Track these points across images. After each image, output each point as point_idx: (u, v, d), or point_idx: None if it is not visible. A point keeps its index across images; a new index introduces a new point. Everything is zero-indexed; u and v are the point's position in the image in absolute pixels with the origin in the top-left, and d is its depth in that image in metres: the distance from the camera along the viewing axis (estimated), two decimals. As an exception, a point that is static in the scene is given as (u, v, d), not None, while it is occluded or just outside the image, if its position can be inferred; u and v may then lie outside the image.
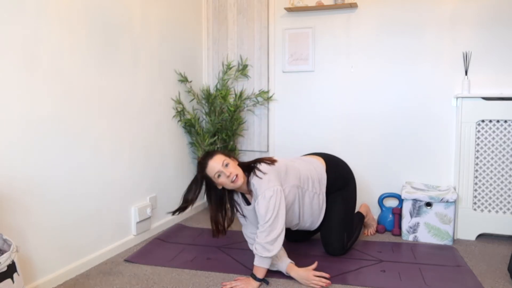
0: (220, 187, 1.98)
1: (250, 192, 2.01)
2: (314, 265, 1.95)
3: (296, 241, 2.49)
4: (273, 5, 3.12)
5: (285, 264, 1.95)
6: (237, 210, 2.09)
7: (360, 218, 2.47)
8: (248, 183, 1.97)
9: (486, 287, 1.89)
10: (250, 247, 2.11)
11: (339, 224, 2.23)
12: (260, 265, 1.86)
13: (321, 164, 2.24)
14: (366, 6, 2.89)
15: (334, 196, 2.25)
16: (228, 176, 1.89)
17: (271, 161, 2.01)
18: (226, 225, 2.07)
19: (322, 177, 2.20)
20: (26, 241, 1.74)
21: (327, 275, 1.90)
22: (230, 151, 1.98)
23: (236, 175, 1.91)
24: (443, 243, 2.49)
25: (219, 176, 1.91)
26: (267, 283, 1.90)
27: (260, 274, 1.87)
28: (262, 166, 1.96)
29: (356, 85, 2.96)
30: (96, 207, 2.14)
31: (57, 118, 1.88)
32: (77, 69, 1.99)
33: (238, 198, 2.09)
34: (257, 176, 1.92)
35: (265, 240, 1.83)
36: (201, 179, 1.98)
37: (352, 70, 2.96)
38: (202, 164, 1.95)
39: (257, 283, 1.87)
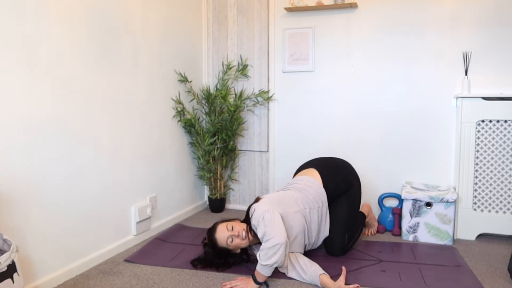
0: (238, 251, 2.06)
1: (256, 236, 1.97)
2: (343, 276, 1.86)
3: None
4: (273, 5, 3.12)
5: (317, 274, 1.89)
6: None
7: (361, 218, 2.47)
8: (251, 233, 1.99)
9: (486, 287, 1.89)
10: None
11: (342, 225, 2.24)
12: (262, 272, 1.85)
13: (317, 181, 2.23)
14: (366, 6, 2.89)
15: (337, 200, 2.28)
16: (238, 236, 1.96)
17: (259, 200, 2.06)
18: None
19: (320, 193, 2.20)
20: (26, 241, 1.74)
21: (356, 285, 1.81)
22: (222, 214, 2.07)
23: (244, 229, 1.97)
24: (443, 243, 2.49)
25: (232, 241, 1.97)
26: (267, 286, 1.90)
27: (260, 279, 1.87)
28: (254, 207, 1.98)
29: (356, 85, 2.96)
30: (96, 207, 2.14)
31: (57, 119, 1.88)
32: (77, 69, 1.99)
33: (251, 250, 2.15)
34: (254, 216, 1.94)
35: (267, 250, 1.82)
36: (219, 253, 2.04)
37: (352, 70, 2.96)
38: (211, 241, 2.01)
39: (256, 285, 1.87)
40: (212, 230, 2.03)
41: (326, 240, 2.27)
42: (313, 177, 2.25)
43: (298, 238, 2.06)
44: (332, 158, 2.45)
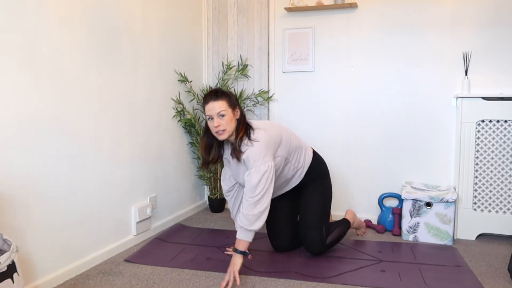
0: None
1: (237, 149, 1.95)
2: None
3: (284, 250, 2.33)
4: (273, 5, 3.12)
5: (243, 251, 1.89)
6: (212, 160, 2.11)
7: (344, 222, 2.41)
8: (239, 140, 1.95)
9: (486, 287, 1.89)
10: (223, 187, 2.24)
11: (317, 217, 2.19)
12: (244, 238, 1.87)
13: (310, 150, 2.28)
14: (366, 6, 2.89)
15: (313, 186, 2.25)
16: (216, 127, 1.92)
17: (268, 128, 2.01)
18: (211, 160, 2.10)
19: (307, 158, 2.22)
20: (26, 241, 1.74)
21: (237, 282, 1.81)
22: (235, 102, 2.01)
23: (223, 130, 1.93)
24: (443, 243, 2.49)
25: (209, 119, 1.95)
26: (247, 255, 1.89)
27: (242, 247, 1.87)
28: (259, 134, 1.95)
29: (356, 85, 2.96)
30: (96, 207, 2.14)
31: (57, 118, 1.88)
32: (77, 69, 1.99)
33: (228, 148, 2.10)
34: (250, 140, 1.92)
35: (251, 212, 1.85)
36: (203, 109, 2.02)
37: (352, 70, 2.96)
38: (205, 99, 1.98)
39: (240, 258, 1.86)
40: (214, 96, 1.95)
41: (303, 238, 2.22)
42: (309, 146, 2.29)
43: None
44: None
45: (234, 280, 1.81)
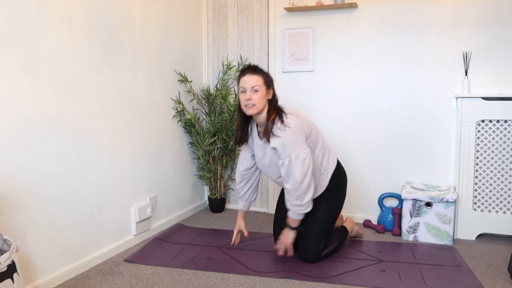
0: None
1: (268, 130, 1.98)
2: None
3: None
4: (273, 5, 3.12)
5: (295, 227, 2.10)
6: (244, 138, 2.16)
7: (343, 232, 2.37)
8: (271, 122, 1.98)
9: (486, 287, 1.89)
10: (240, 167, 2.30)
11: (319, 226, 2.15)
12: (296, 218, 2.05)
13: (334, 154, 2.28)
14: (366, 6, 2.89)
15: (327, 194, 2.20)
16: (247, 99, 1.95)
17: (300, 115, 2.05)
18: (242, 139, 2.16)
19: (331, 163, 2.21)
20: (26, 241, 1.74)
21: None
22: (270, 82, 2.05)
23: (253, 105, 1.95)
24: (443, 243, 2.49)
25: (242, 92, 1.99)
26: (301, 230, 2.12)
27: (295, 224, 2.07)
28: (291, 119, 1.97)
29: (356, 85, 2.96)
30: (96, 207, 2.14)
31: (57, 118, 1.88)
32: (77, 69, 1.99)
33: (254, 129, 2.13)
34: (283, 125, 1.95)
35: (303, 201, 1.99)
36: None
37: (352, 70, 2.96)
38: (242, 71, 2.04)
39: (293, 233, 2.09)
40: (252, 70, 2.01)
41: (299, 244, 2.18)
42: (334, 154, 2.30)
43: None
44: None
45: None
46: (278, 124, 1.96)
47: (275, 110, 2.01)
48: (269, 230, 2.75)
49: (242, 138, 2.16)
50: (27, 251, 1.74)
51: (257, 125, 2.12)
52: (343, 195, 2.30)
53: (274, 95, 2.05)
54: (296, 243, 2.25)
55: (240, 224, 2.32)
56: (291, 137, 1.93)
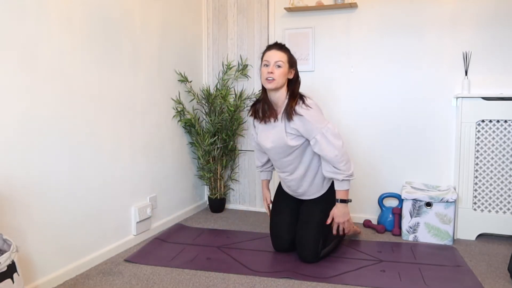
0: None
1: (292, 106, 2.02)
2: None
3: (284, 250, 2.32)
4: (273, 5, 3.12)
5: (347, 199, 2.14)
6: (256, 117, 2.20)
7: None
8: (290, 104, 2.03)
9: (486, 287, 1.89)
10: (257, 162, 2.43)
11: (317, 226, 2.14)
12: (346, 188, 2.07)
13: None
14: (366, 6, 2.89)
15: (325, 195, 2.20)
16: (269, 73, 2.01)
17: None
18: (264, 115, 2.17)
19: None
20: (26, 241, 1.74)
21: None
22: (293, 62, 2.12)
23: (273, 80, 2.01)
24: (443, 243, 2.49)
25: (264, 65, 2.05)
26: (350, 201, 2.17)
27: (346, 196, 2.08)
28: (311, 102, 2.05)
29: (356, 85, 2.96)
30: (96, 207, 2.14)
31: (57, 118, 1.88)
32: (77, 69, 1.99)
33: (266, 107, 2.14)
34: (305, 104, 2.01)
35: (351, 167, 2.04)
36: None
37: (352, 70, 2.96)
38: (268, 47, 2.10)
39: (345, 206, 2.10)
40: (278, 46, 2.09)
41: (298, 244, 2.17)
42: None
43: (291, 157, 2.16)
44: None
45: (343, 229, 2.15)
46: (300, 103, 2.02)
47: (298, 93, 2.08)
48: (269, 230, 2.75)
49: (265, 113, 2.14)
50: (27, 251, 1.74)
51: (266, 105, 2.13)
52: (328, 203, 2.24)
53: (297, 76, 2.12)
54: (294, 244, 2.25)
55: (266, 194, 2.43)
56: (315, 114, 2.01)
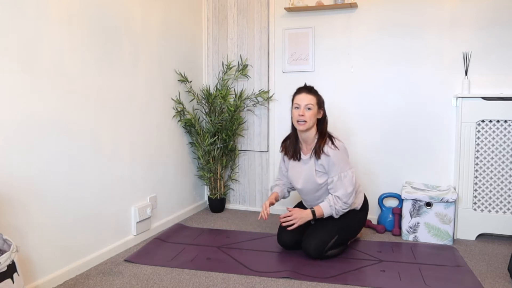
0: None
1: (321, 145, 2.17)
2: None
3: (287, 247, 2.36)
4: (273, 5, 3.12)
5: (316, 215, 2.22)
6: (286, 154, 2.35)
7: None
8: (319, 143, 2.18)
9: (486, 287, 1.89)
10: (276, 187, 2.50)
11: (334, 231, 2.19)
12: (329, 213, 2.17)
13: (362, 193, 2.41)
14: (366, 6, 2.89)
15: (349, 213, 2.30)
16: (300, 115, 2.16)
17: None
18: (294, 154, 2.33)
19: (358, 200, 2.34)
20: (26, 241, 1.74)
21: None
22: (322, 103, 2.27)
23: (305, 122, 2.15)
24: (443, 243, 2.49)
25: (295, 108, 2.20)
26: (313, 222, 2.28)
27: (319, 214, 2.18)
28: (339, 143, 2.19)
29: (356, 85, 2.96)
30: (96, 207, 2.14)
31: (57, 118, 1.88)
32: (77, 69, 1.99)
33: (297, 147, 2.31)
34: (334, 145, 2.15)
35: (349, 204, 2.16)
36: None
37: (352, 70, 2.96)
38: (298, 90, 2.24)
39: (310, 216, 2.18)
40: (307, 90, 2.23)
41: (305, 236, 2.23)
42: (362, 192, 2.44)
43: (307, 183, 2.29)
44: None
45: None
46: (329, 143, 2.17)
47: (326, 132, 2.22)
48: (269, 230, 2.75)
49: (296, 152, 2.31)
50: (27, 251, 1.74)
51: (296, 143, 2.30)
52: (361, 216, 2.36)
53: (324, 114, 2.26)
54: (298, 243, 2.30)
55: (271, 198, 2.37)
56: (341, 156, 2.15)
